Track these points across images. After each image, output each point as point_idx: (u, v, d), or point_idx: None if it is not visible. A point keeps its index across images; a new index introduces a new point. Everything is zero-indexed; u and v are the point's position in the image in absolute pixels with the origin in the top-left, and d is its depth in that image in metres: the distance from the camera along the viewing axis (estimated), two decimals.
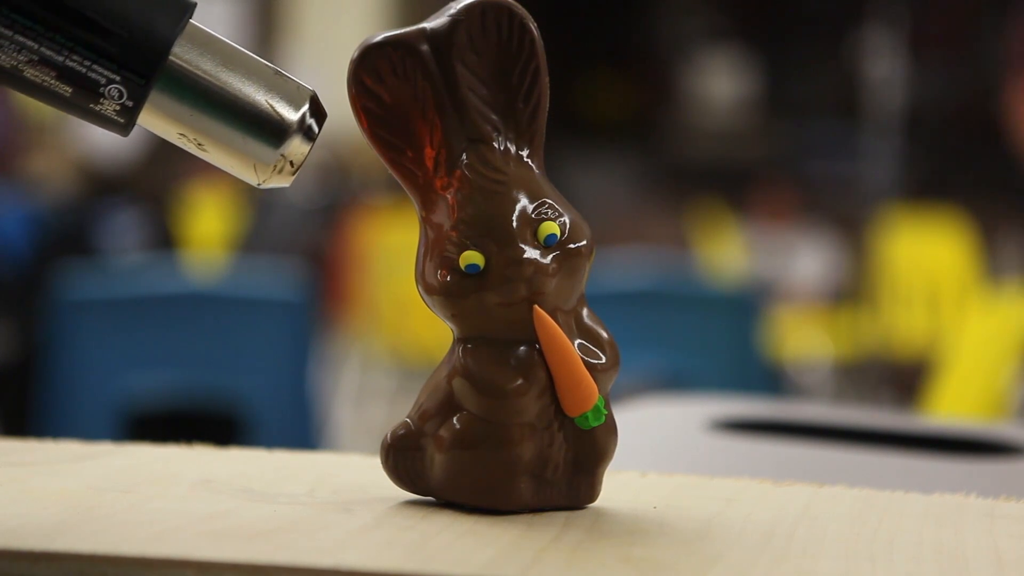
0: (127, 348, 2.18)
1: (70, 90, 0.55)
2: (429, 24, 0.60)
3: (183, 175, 4.65)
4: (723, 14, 7.41)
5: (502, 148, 0.60)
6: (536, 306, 0.58)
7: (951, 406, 1.97)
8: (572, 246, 0.58)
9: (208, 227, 4.74)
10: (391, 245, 4.42)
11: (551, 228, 0.58)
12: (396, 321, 4.46)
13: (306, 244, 4.58)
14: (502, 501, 0.58)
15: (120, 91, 0.55)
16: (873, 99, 5.01)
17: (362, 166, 5.38)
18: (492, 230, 0.58)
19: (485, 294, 0.58)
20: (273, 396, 2.22)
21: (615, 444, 0.60)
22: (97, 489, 0.60)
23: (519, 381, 0.58)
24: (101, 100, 0.55)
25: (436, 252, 0.58)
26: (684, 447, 0.97)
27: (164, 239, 3.62)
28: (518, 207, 0.58)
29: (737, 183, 5.83)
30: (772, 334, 2.83)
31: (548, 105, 0.60)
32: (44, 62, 0.54)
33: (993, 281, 4.63)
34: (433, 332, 3.95)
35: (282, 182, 0.57)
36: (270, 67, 0.56)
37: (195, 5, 0.56)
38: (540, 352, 0.58)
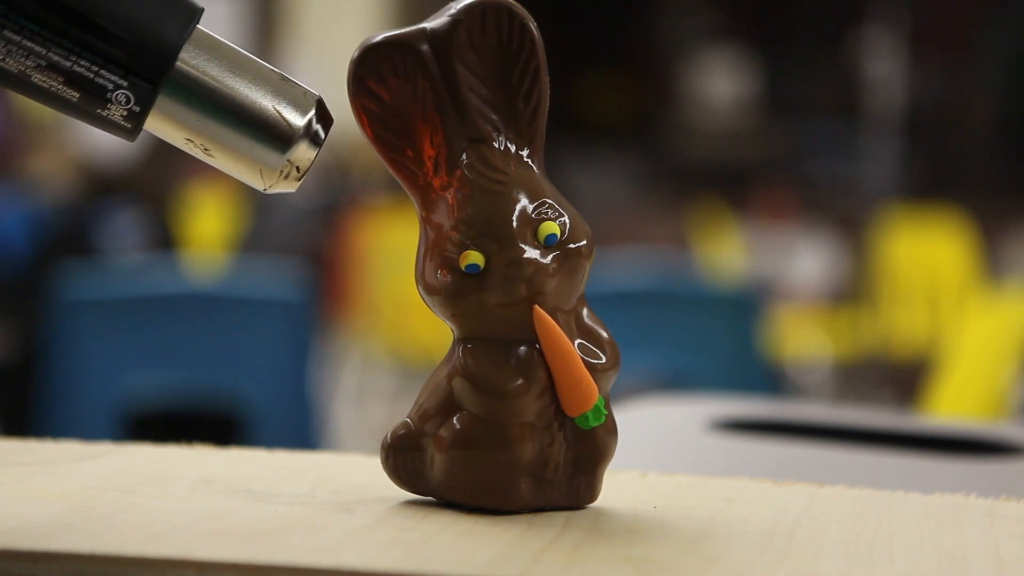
0: (127, 348, 2.18)
1: (77, 95, 0.55)
2: (429, 24, 0.60)
3: (183, 175, 4.64)
4: (723, 14, 7.41)
5: (502, 148, 0.60)
6: (536, 306, 0.58)
7: (951, 406, 1.97)
8: (572, 246, 0.58)
9: (208, 227, 4.74)
10: (391, 245, 4.41)
11: (551, 228, 0.58)
12: (396, 321, 4.45)
13: (306, 244, 4.57)
14: (502, 501, 0.58)
15: (127, 96, 0.55)
16: (873, 99, 5.01)
17: (362, 166, 5.37)
18: (492, 230, 0.58)
19: (485, 294, 0.58)
20: (273, 396, 2.22)
21: (615, 444, 0.60)
22: (97, 489, 0.60)
23: (519, 381, 0.58)
24: (108, 105, 0.55)
25: (436, 252, 0.58)
26: (684, 447, 0.97)
27: (164, 239, 3.61)
28: (518, 207, 0.58)
29: (737, 183, 5.83)
30: (772, 334, 2.82)
31: (548, 105, 0.60)
32: (52, 67, 0.54)
33: (993, 281, 4.63)
34: (433, 332, 3.95)
35: (288, 187, 0.57)
36: (277, 72, 0.56)
37: (202, 10, 0.55)
38: (540, 352, 0.58)
